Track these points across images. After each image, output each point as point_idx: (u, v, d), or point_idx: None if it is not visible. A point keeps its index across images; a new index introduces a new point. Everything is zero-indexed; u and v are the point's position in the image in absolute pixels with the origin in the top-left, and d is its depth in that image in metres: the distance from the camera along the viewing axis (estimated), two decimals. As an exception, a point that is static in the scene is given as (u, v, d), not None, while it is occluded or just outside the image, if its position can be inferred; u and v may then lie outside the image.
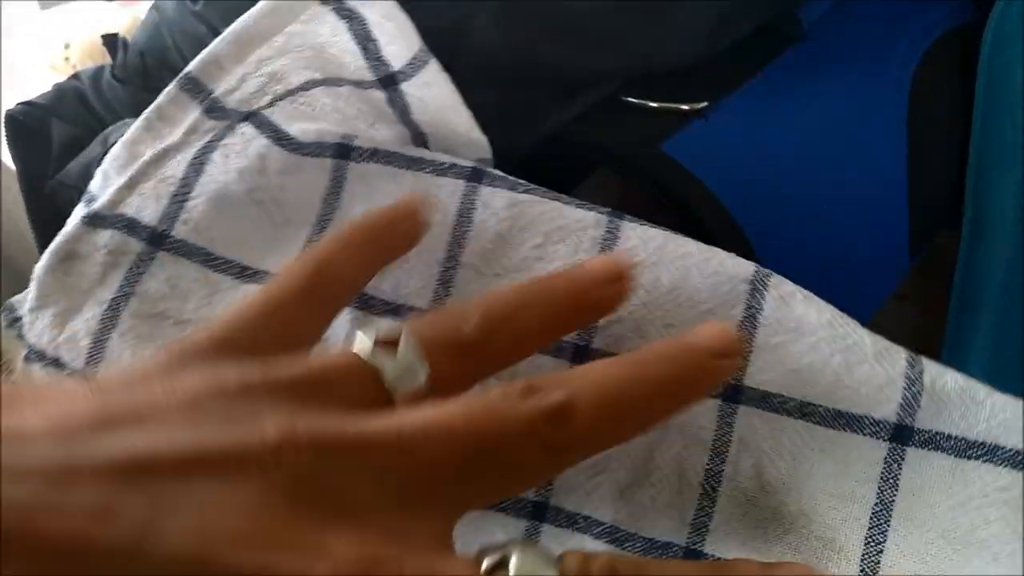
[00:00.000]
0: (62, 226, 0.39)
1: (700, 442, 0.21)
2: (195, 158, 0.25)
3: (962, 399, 0.21)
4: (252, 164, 0.25)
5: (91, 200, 0.26)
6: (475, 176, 0.24)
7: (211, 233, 0.24)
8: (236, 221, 0.24)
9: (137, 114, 0.38)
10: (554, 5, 0.31)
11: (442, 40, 0.30)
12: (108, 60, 0.46)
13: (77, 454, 0.12)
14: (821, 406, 0.21)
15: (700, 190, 0.29)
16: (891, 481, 0.20)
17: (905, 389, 0.21)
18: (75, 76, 0.46)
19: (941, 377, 0.21)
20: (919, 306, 0.46)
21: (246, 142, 0.25)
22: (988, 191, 0.38)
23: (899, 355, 0.22)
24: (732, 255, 0.23)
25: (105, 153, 0.36)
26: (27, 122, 0.42)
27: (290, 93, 0.25)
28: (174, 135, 0.25)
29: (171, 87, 0.26)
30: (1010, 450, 0.20)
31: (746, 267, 0.23)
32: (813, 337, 0.21)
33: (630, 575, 0.15)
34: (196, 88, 0.25)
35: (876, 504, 0.20)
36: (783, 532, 0.20)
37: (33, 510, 0.11)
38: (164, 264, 0.24)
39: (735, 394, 0.21)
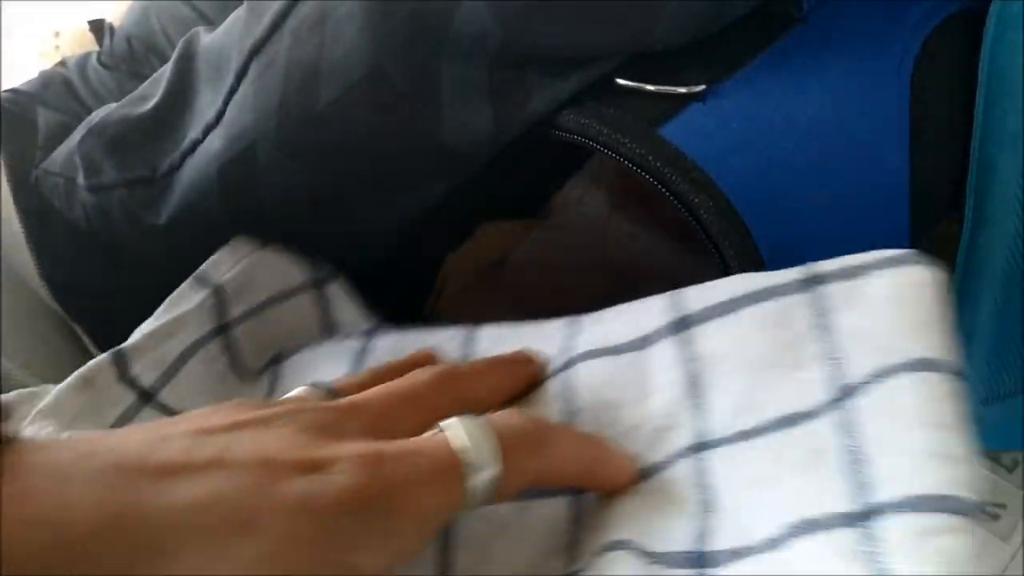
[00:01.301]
0: (48, 215, 0.39)
1: None
2: (186, 349, 0.33)
3: None
4: (216, 379, 0.34)
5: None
6: (368, 333, 0.33)
7: (186, 404, 0.32)
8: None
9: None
10: None
11: (432, 14, 0.30)
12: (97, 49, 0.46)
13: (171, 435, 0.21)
14: None
15: (698, 176, 0.29)
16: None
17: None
18: (61, 63, 0.45)
19: None
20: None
21: (216, 357, 0.34)
22: (991, 179, 0.38)
23: None
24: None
25: (83, 138, 0.36)
26: (13, 109, 0.41)
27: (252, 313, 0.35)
28: (184, 311, 0.33)
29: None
30: None
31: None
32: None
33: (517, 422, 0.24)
34: (205, 281, 0.34)
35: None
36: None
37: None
38: (150, 417, 0.31)
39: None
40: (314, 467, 0.20)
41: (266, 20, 0.32)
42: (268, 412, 0.22)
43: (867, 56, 0.35)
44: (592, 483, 0.25)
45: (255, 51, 0.32)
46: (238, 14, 0.34)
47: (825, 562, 0.20)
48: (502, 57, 0.30)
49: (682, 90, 0.31)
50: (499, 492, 0.22)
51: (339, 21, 0.30)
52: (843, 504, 0.21)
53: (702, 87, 0.31)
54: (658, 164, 0.29)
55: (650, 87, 0.31)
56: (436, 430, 0.23)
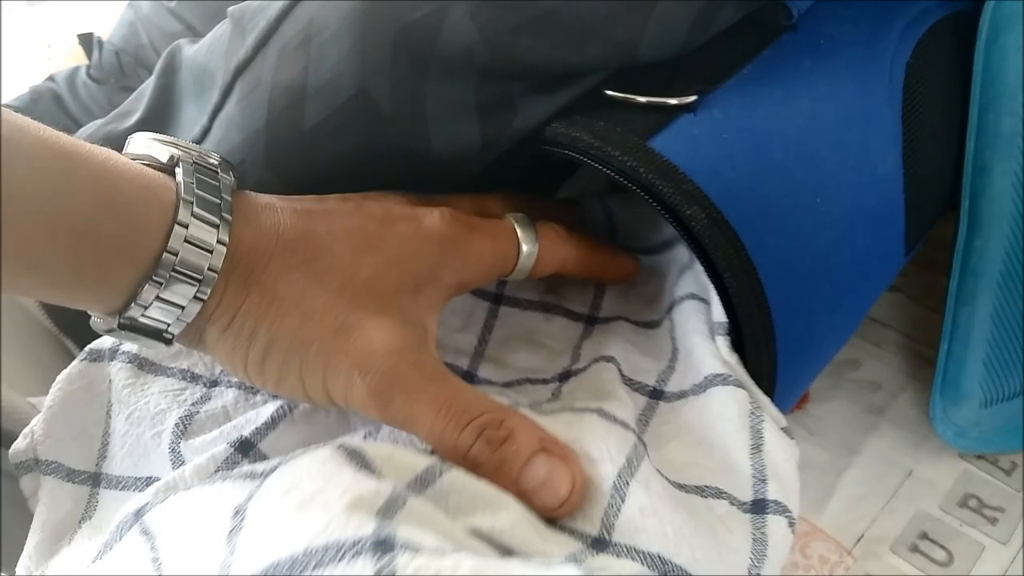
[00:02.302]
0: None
1: None
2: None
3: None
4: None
5: None
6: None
7: None
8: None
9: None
10: None
11: (417, 34, 0.29)
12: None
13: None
14: None
15: (689, 187, 0.28)
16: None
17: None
18: (50, 78, 0.45)
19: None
20: (915, 299, 0.46)
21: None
22: (985, 182, 0.37)
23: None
24: None
25: None
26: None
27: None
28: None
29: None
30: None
31: None
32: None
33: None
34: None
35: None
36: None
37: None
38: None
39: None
40: (415, 217, 0.30)
41: (251, 40, 0.31)
42: (381, 192, 0.32)
43: (858, 62, 0.35)
44: (604, 275, 0.35)
45: (240, 70, 0.32)
46: (221, 29, 0.34)
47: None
48: (488, 74, 0.30)
49: (673, 101, 0.31)
50: (536, 268, 0.32)
51: (324, 42, 0.30)
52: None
53: (693, 98, 0.31)
54: (649, 176, 0.28)
55: (640, 99, 0.31)
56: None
